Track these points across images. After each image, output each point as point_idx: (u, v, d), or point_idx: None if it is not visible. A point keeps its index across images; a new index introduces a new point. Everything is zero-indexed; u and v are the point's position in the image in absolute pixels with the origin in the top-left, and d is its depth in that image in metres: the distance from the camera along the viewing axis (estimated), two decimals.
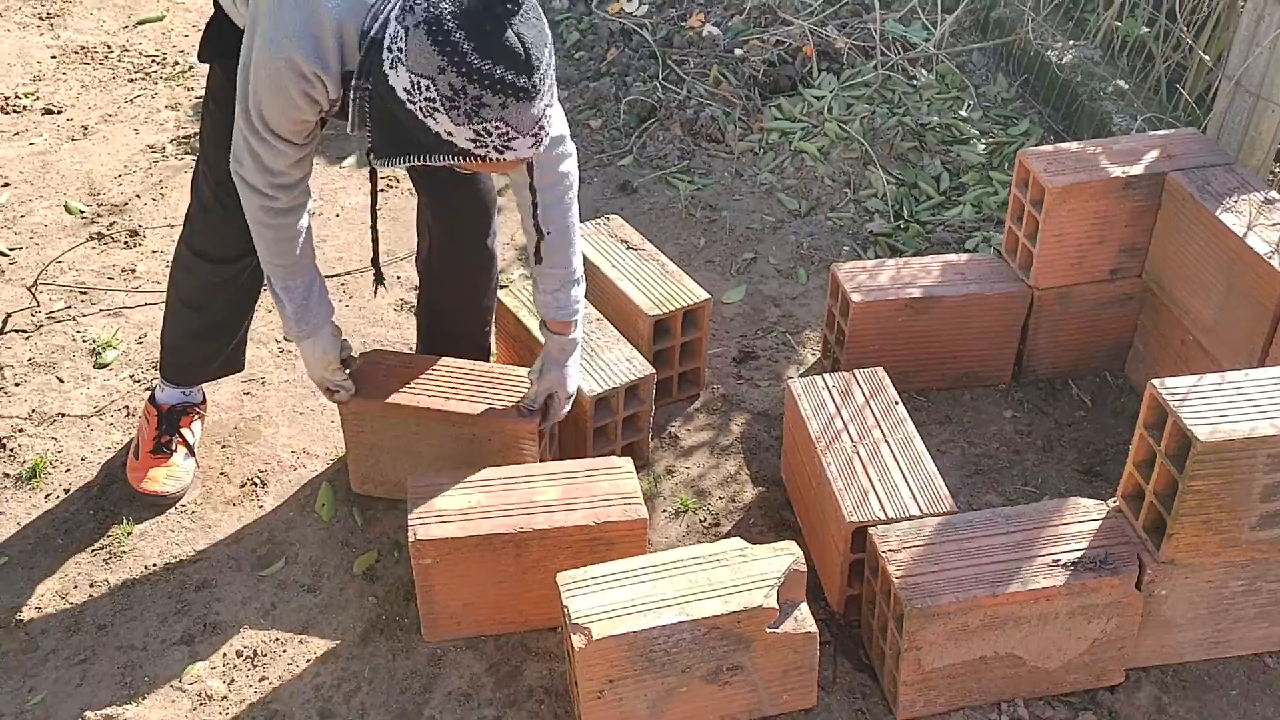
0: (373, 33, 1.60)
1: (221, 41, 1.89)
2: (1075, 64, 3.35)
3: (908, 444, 2.06)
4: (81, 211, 3.02)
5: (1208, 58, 2.92)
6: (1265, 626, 1.92)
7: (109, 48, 3.77)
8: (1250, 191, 2.24)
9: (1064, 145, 2.42)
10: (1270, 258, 2.06)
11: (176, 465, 2.23)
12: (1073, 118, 3.27)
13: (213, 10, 1.93)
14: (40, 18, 3.92)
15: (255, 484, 2.27)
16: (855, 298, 2.41)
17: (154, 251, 2.89)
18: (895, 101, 3.45)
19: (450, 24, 1.51)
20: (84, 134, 3.33)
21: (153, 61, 3.70)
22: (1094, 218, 2.35)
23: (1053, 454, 2.40)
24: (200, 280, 2.16)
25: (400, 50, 1.55)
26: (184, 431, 2.27)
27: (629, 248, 2.54)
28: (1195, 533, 1.76)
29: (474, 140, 1.57)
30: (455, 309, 2.27)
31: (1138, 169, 2.32)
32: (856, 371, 2.22)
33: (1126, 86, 3.22)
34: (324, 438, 2.39)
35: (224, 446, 2.35)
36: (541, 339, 2.06)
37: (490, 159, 1.60)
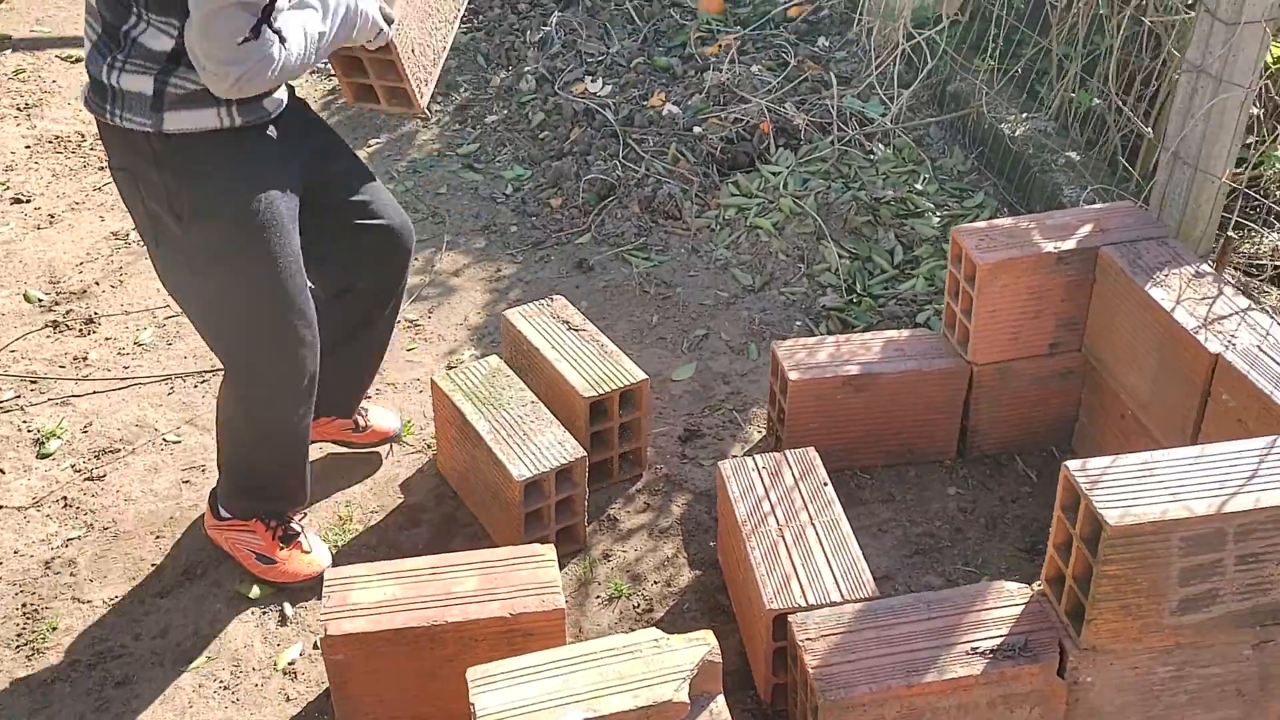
0: None
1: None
2: (1028, 136, 3.37)
3: (834, 526, 2.04)
4: (40, 299, 3.06)
5: (1149, 131, 2.94)
6: (1200, 713, 1.87)
7: (82, 136, 3.84)
8: (1182, 265, 2.23)
9: (997, 221, 2.42)
10: (1197, 333, 2.05)
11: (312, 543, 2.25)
12: (1025, 189, 3.28)
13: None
14: (19, 109, 4.00)
15: (187, 576, 2.26)
16: (793, 375, 2.40)
17: (107, 338, 2.92)
18: (851, 176, 3.47)
19: None
20: (50, 222, 3.38)
21: None
22: (1028, 293, 2.35)
23: (996, 532, 2.36)
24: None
25: None
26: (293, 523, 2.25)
27: (570, 328, 2.54)
28: (1114, 618, 1.72)
29: None
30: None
31: (1070, 244, 2.32)
32: (788, 452, 2.21)
33: (1078, 158, 3.24)
34: None
35: (158, 537, 2.34)
36: None
37: None
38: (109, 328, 2.96)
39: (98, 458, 2.54)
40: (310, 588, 2.21)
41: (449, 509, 2.42)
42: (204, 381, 2.78)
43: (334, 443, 2.52)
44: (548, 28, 4.32)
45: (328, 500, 2.44)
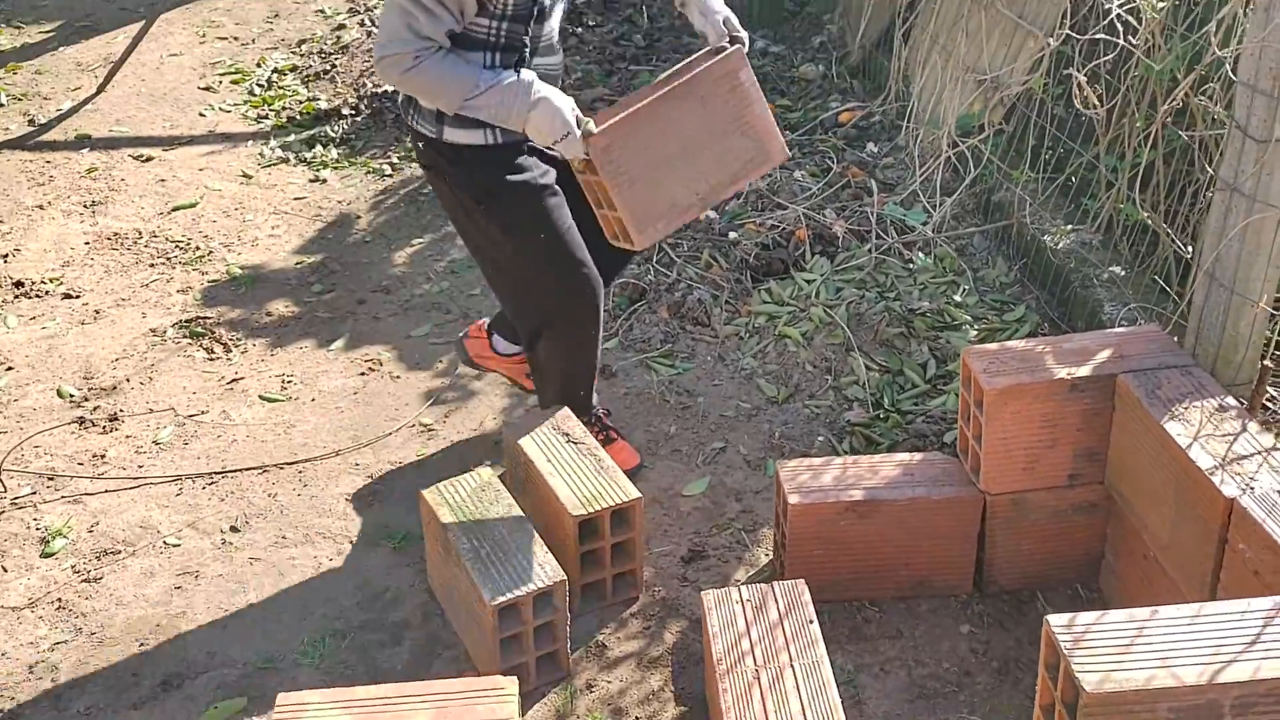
0: None
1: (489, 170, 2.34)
2: (1071, 249, 3.24)
3: (815, 669, 1.92)
4: (71, 395, 3.13)
5: (1187, 250, 2.80)
6: None
7: (140, 233, 3.98)
8: (1205, 397, 2.09)
9: (1010, 343, 2.31)
10: (1213, 474, 1.90)
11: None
12: (1067, 305, 3.15)
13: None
14: (85, 205, 4.18)
15: (164, 688, 2.24)
16: (794, 499, 2.30)
17: (128, 436, 2.96)
18: (887, 286, 3.38)
19: None
20: (95, 318, 3.49)
21: (176, 247, 3.89)
22: (1041, 420, 2.22)
23: (1008, 678, 2.20)
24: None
25: None
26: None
27: (569, 440, 2.49)
28: None
29: None
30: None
31: (1085, 370, 2.19)
32: (775, 584, 2.10)
33: (1121, 273, 3.10)
34: (244, 640, 2.35)
35: (142, 645, 2.33)
36: (685, 12, 2.42)
37: None
38: (131, 425, 3.01)
39: (98, 559, 2.56)
40: None
41: (434, 628, 2.36)
42: (212, 484, 2.79)
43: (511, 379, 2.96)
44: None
45: (315, 610, 2.41)
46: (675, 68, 2.38)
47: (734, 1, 4.91)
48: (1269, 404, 2.57)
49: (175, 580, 2.49)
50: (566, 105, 2.24)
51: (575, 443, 2.49)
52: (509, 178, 2.37)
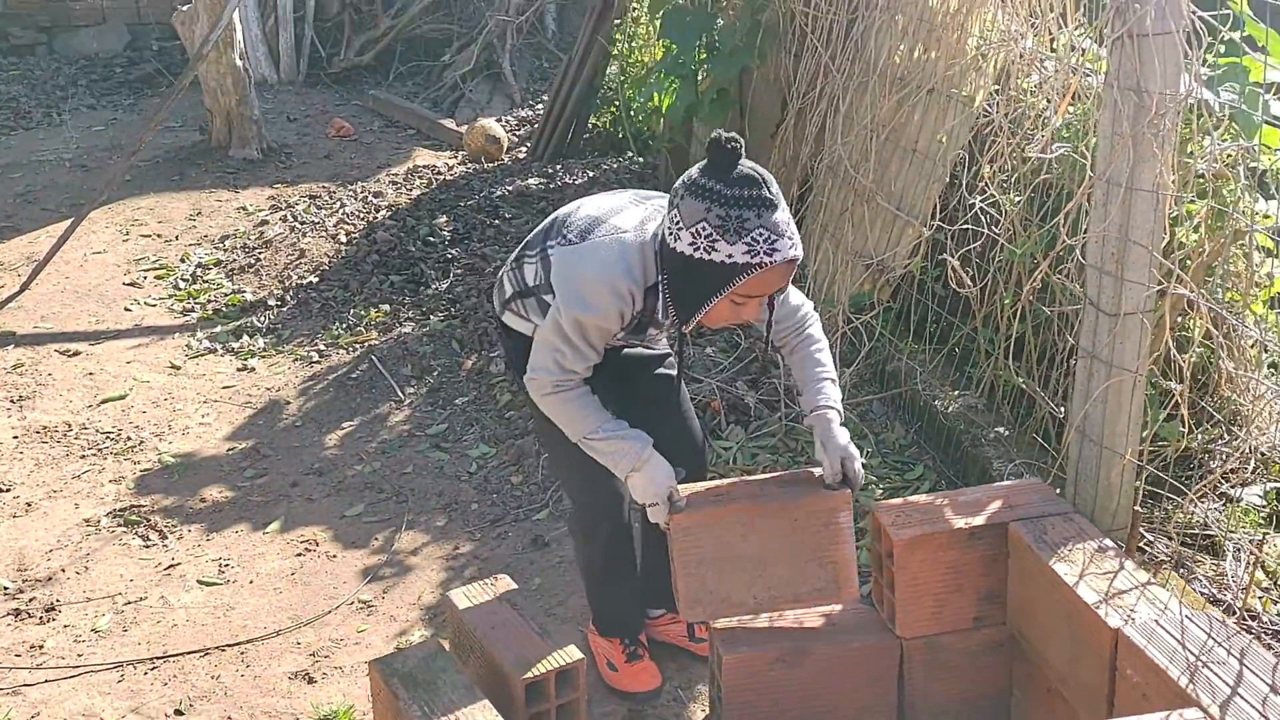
0: (660, 239, 2.23)
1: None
2: (960, 413, 3.56)
3: None
4: (6, 587, 3.14)
5: (1060, 411, 3.12)
6: None
7: (69, 426, 4.05)
8: (1086, 540, 2.34)
9: (914, 498, 2.56)
10: (1098, 607, 2.13)
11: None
12: (960, 463, 3.44)
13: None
14: (12, 400, 4.24)
15: None
16: (726, 653, 2.46)
17: (65, 625, 2.99)
18: (798, 450, 3.64)
19: (701, 179, 2.13)
20: (26, 511, 3.52)
21: (106, 438, 3.96)
22: (946, 567, 2.44)
23: None
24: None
25: (677, 222, 2.15)
26: (642, 640, 2.76)
27: (511, 607, 2.62)
28: None
29: (748, 251, 2.09)
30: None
31: (980, 519, 2.44)
32: None
33: (1006, 433, 3.41)
34: None
35: None
36: (812, 427, 2.46)
37: (764, 264, 2.10)
38: (68, 614, 3.03)
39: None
40: None
41: None
42: (154, 668, 2.83)
43: (676, 645, 2.83)
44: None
45: None
46: (782, 475, 2.52)
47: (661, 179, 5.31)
48: (1143, 547, 2.85)
49: None
50: (665, 477, 2.35)
51: (515, 607, 2.62)
52: None
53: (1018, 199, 3.24)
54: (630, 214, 2.36)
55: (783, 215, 2.14)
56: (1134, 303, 2.55)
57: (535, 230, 2.52)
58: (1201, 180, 2.97)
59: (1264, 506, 3.16)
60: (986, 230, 3.22)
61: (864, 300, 4.09)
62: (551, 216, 2.49)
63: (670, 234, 2.18)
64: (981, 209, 3.23)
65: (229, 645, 2.89)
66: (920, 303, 3.88)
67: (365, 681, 2.75)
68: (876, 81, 4.04)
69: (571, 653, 2.47)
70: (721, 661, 2.46)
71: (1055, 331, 3.23)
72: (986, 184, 3.30)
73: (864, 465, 3.50)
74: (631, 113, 7.12)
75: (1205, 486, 2.97)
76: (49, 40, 9.78)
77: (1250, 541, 2.98)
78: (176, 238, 6.02)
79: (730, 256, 2.10)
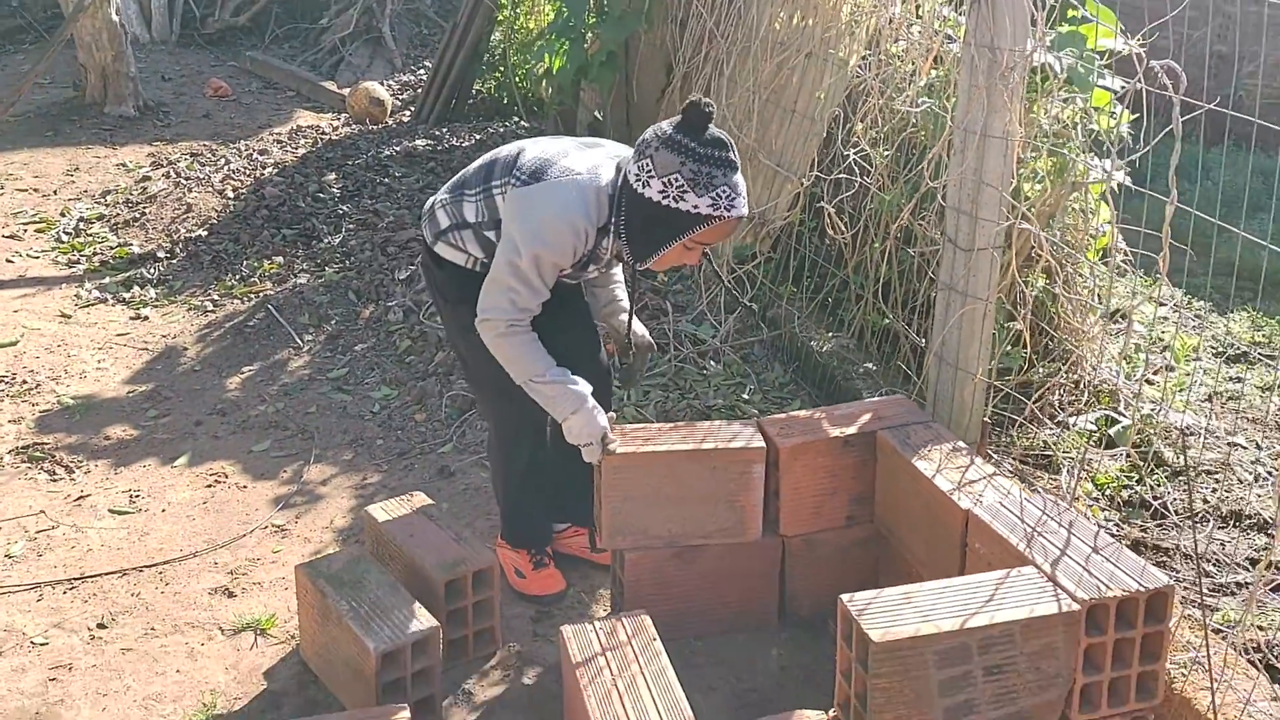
0: (618, 186, 2.46)
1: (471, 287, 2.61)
2: (833, 351, 3.89)
3: (660, 675, 2.29)
4: None
5: (921, 340, 3.47)
6: None
7: None
8: (942, 443, 2.67)
9: (796, 413, 2.84)
10: (952, 494, 2.45)
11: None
12: (834, 396, 3.75)
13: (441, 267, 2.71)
14: None
15: None
16: (628, 554, 2.70)
17: None
18: (686, 388, 3.90)
19: (677, 135, 2.37)
20: None
21: (1, 382, 3.96)
22: (824, 472, 2.74)
23: (813, 685, 2.64)
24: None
25: (648, 171, 2.38)
26: (548, 551, 2.95)
27: (428, 519, 2.81)
28: None
29: (713, 205, 2.36)
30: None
31: (853, 429, 2.74)
32: (622, 615, 2.48)
33: (874, 368, 3.75)
34: (125, 717, 2.49)
35: None
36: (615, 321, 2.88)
37: (724, 217, 2.38)
38: None
39: None
40: None
41: (311, 694, 2.58)
42: (72, 588, 2.91)
43: (579, 557, 3.01)
44: (415, 266, 4.77)
45: (191, 689, 2.58)
46: (703, 424, 2.74)
47: None
48: (992, 452, 3.21)
49: (49, 673, 2.60)
50: (600, 424, 2.55)
51: (431, 519, 2.81)
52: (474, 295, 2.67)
53: (886, 153, 3.56)
54: (579, 158, 2.54)
55: (740, 178, 2.41)
56: (986, 239, 2.88)
57: (471, 171, 2.68)
58: (1046, 140, 3.33)
59: (1095, 432, 3.57)
60: (859, 180, 3.53)
61: (746, 252, 4.38)
62: (488, 159, 2.65)
63: (639, 180, 2.40)
64: (855, 162, 3.54)
65: (147, 566, 2.99)
66: (798, 252, 4.19)
67: (285, 595, 2.89)
68: (758, 46, 4.32)
69: (486, 556, 2.69)
70: (624, 560, 2.70)
71: (916, 273, 3.57)
72: (859, 139, 3.61)
73: (746, 401, 3.82)
74: (516, 78, 7.28)
75: (1042, 412, 3.36)
76: None
77: (1081, 461, 3.38)
78: (55, 192, 5.93)
79: (696, 207, 2.36)
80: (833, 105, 3.93)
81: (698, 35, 4.82)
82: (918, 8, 3.60)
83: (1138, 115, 3.27)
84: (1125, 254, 3.72)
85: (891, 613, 2.02)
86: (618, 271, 2.91)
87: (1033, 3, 2.73)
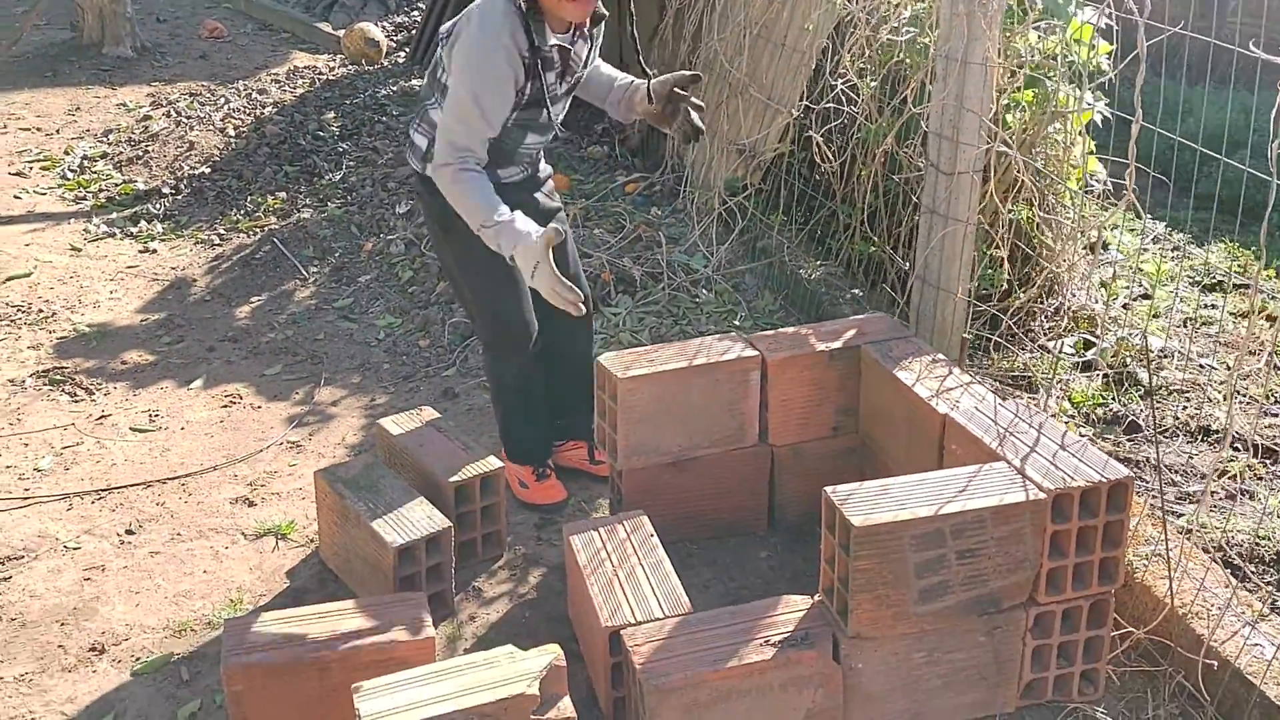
0: None
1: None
2: (822, 279, 4.03)
3: (658, 566, 2.47)
4: None
5: (906, 264, 3.61)
6: (953, 696, 2.33)
7: None
8: (922, 356, 2.82)
9: (784, 329, 2.99)
10: (931, 400, 2.61)
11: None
12: (822, 321, 3.90)
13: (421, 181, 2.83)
14: None
15: (93, 652, 2.52)
16: (625, 464, 2.86)
17: (8, 466, 3.19)
18: (680, 315, 4.05)
19: None
20: None
21: (17, 310, 4.09)
22: (810, 384, 2.89)
23: (799, 584, 2.82)
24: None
25: None
26: (549, 464, 3.11)
27: (436, 431, 2.97)
28: (871, 608, 2.19)
29: None
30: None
31: (838, 344, 2.90)
32: (622, 514, 2.65)
33: (861, 294, 3.90)
34: (157, 614, 2.66)
35: (62, 624, 2.61)
36: (640, 97, 2.92)
37: None
38: (8, 457, 3.24)
39: (2, 564, 2.80)
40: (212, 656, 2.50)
41: (331, 589, 2.76)
42: (100, 499, 3.07)
43: (579, 469, 3.18)
44: (413, 200, 4.89)
45: (218, 588, 2.75)
46: (701, 340, 2.87)
47: None
48: (971, 371, 3.37)
49: (83, 574, 2.77)
50: (534, 252, 2.54)
51: (441, 431, 2.97)
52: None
53: (873, 84, 3.68)
54: None
55: None
56: (966, 163, 3.02)
57: (424, 82, 2.82)
58: (1024, 69, 3.45)
59: (1074, 355, 3.73)
60: (845, 109, 3.65)
61: (737, 184, 4.51)
62: (432, 64, 2.78)
63: None
64: (842, 92, 3.66)
65: (170, 479, 3.15)
66: (787, 184, 4.32)
67: (302, 504, 3.06)
68: None
69: (492, 462, 2.85)
70: (623, 473, 2.86)
71: (903, 201, 3.71)
72: (846, 69, 3.72)
73: (737, 326, 3.97)
74: None
75: (1023, 335, 3.52)
76: None
77: (1059, 382, 3.54)
78: (57, 131, 6.01)
79: None
80: (821, 38, 4.04)
81: None
82: None
83: (1115, 47, 3.40)
84: (1104, 184, 3.87)
85: (871, 502, 2.19)
86: (603, 66, 3.02)
87: None
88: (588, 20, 2.75)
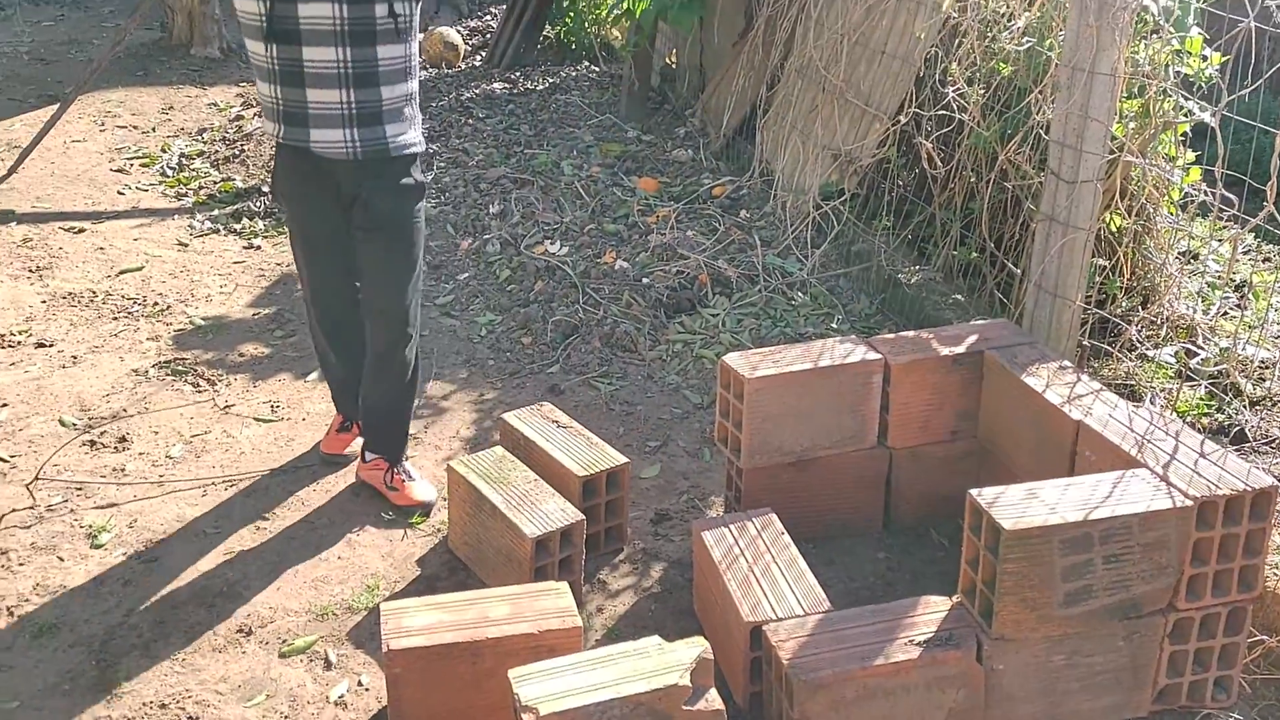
0: None
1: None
2: (921, 283, 4.06)
3: (793, 564, 2.51)
4: (74, 424, 3.43)
5: (1019, 270, 3.63)
6: (1090, 700, 2.35)
7: (94, 293, 4.28)
8: (1048, 362, 2.85)
9: (905, 333, 3.03)
10: (1063, 407, 2.64)
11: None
12: (922, 326, 3.93)
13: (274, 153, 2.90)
14: (30, 270, 4.44)
15: (241, 633, 2.61)
16: (745, 464, 2.91)
17: (141, 454, 3.30)
18: (777, 316, 4.10)
19: None
20: (74, 362, 3.78)
21: (134, 303, 4.21)
22: (931, 389, 2.93)
23: (919, 586, 2.85)
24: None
25: None
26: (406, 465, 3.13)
27: (559, 426, 3.03)
28: (1016, 610, 2.22)
29: None
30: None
31: (961, 349, 2.93)
32: (750, 512, 2.69)
33: (963, 299, 3.92)
34: (298, 598, 2.74)
35: (210, 606, 2.69)
36: None
37: None
38: (140, 444, 3.34)
39: (146, 547, 2.90)
40: (361, 638, 2.58)
41: (461, 579, 2.83)
42: (233, 485, 3.17)
43: (375, 488, 3.12)
44: (507, 202, 4.97)
45: (354, 574, 2.83)
46: (824, 341, 2.91)
47: (603, 100, 5.79)
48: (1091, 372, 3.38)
49: (223, 558, 2.86)
50: None
51: (563, 427, 3.03)
52: (278, 180, 2.96)
53: (982, 92, 3.70)
54: None
55: None
56: (1090, 171, 3.04)
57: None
58: (1141, 80, 3.46)
59: (1174, 364, 3.73)
60: (956, 116, 3.68)
61: (832, 189, 4.54)
62: None
63: None
64: (953, 99, 3.69)
65: (298, 468, 3.24)
66: (884, 189, 4.35)
67: (429, 495, 3.13)
68: None
69: (616, 457, 2.90)
70: (742, 471, 2.91)
71: (1010, 207, 3.73)
72: (955, 78, 3.75)
73: (835, 329, 4.00)
74: (586, 23, 7.41)
75: (1122, 344, 3.53)
76: None
77: (1163, 390, 3.55)
78: (153, 129, 6.16)
79: None
80: (928, 45, 4.07)
81: None
82: None
83: (1228, 57, 3.40)
84: (1208, 194, 3.86)
85: (1019, 505, 2.22)
86: None
87: None
88: None
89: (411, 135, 2.83)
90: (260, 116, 2.86)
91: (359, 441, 3.24)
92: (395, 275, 2.90)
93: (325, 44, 2.65)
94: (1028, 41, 3.41)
